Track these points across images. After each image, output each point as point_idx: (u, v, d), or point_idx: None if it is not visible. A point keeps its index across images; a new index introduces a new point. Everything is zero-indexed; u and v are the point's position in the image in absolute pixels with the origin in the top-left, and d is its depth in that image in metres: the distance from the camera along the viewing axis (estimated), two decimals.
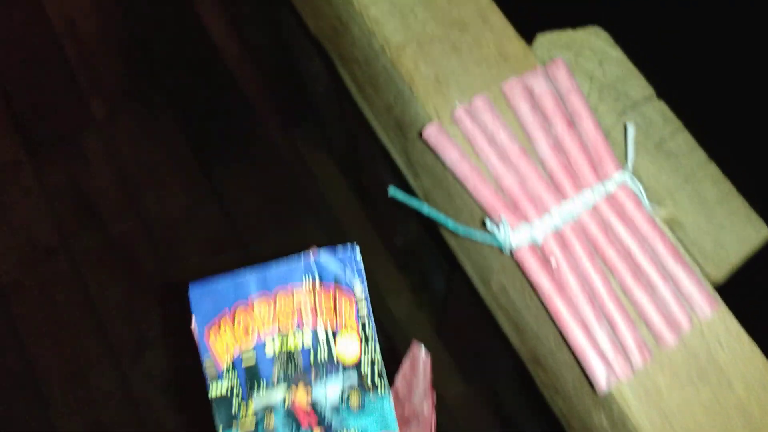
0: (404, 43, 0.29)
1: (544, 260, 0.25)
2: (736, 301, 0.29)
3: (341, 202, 1.31)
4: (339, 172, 1.24)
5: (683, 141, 0.32)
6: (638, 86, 0.33)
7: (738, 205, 0.31)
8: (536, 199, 0.26)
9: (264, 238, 1.32)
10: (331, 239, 1.28)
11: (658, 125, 0.31)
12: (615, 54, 0.33)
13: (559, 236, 0.25)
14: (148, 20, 1.49)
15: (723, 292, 0.28)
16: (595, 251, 0.25)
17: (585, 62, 0.31)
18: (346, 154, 1.12)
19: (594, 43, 0.32)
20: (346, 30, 0.33)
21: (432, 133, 0.27)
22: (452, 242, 0.38)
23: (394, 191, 0.26)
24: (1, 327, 1.24)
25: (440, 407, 1.11)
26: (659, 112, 0.32)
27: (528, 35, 0.32)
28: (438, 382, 1.10)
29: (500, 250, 0.26)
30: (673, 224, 0.28)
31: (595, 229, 0.25)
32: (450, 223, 0.26)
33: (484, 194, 0.26)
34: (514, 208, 0.26)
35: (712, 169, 0.32)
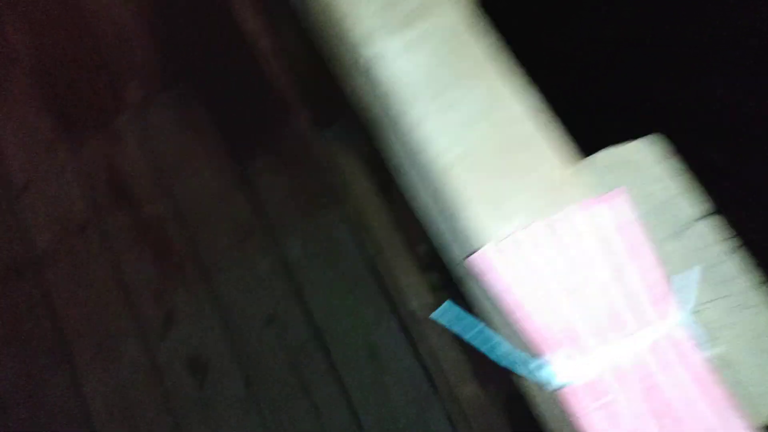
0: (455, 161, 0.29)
1: (595, 397, 0.26)
2: None
3: (367, 201, 1.32)
4: (367, 172, 1.25)
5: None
6: (689, 206, 0.32)
7: None
8: (592, 334, 0.26)
9: (290, 228, 1.34)
10: (354, 234, 1.30)
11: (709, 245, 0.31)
12: (667, 168, 0.33)
13: (617, 371, 0.26)
14: (184, 12, 1.48)
15: None
16: (650, 390, 0.26)
17: (638, 179, 0.31)
18: (374, 157, 1.13)
19: (646, 158, 0.32)
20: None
21: (481, 259, 0.27)
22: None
23: (438, 315, 0.27)
24: (35, 293, 1.29)
25: (454, 407, 1.14)
26: (710, 229, 0.32)
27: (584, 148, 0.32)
28: (454, 383, 1.13)
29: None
30: (722, 364, 0.28)
31: (654, 368, 0.26)
32: (497, 354, 0.27)
33: (533, 327, 0.26)
34: (568, 343, 0.26)
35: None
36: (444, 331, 1.22)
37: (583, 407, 0.25)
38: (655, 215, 0.31)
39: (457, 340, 1.20)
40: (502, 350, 0.26)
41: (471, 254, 0.27)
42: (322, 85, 1.14)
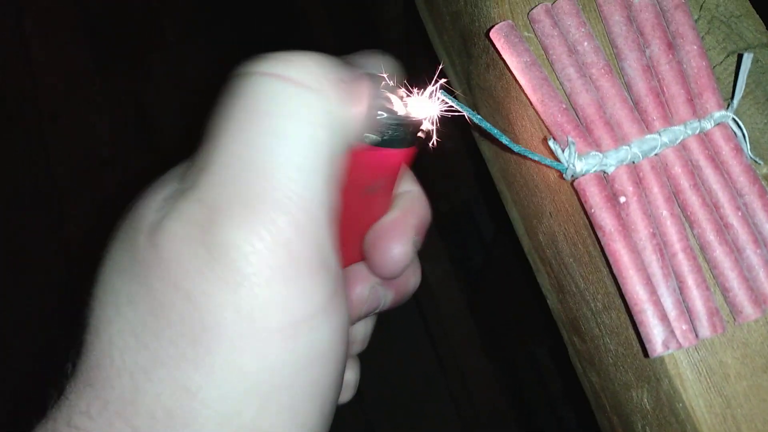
0: None
1: (612, 195, 0.21)
2: None
3: None
4: None
5: None
6: (755, 29, 0.27)
7: None
8: (614, 124, 0.22)
9: None
10: None
11: None
12: None
13: (634, 171, 0.21)
14: None
15: None
16: (674, 195, 0.21)
17: None
18: None
19: None
20: None
21: (502, 31, 0.23)
22: (502, 185, 0.34)
23: (443, 93, 0.23)
24: (50, 225, 1.28)
25: (458, 384, 1.06)
26: None
27: None
28: (461, 358, 1.05)
29: (561, 174, 0.22)
30: None
31: (679, 170, 0.21)
32: (504, 138, 0.22)
33: (553, 110, 0.22)
34: (586, 131, 0.22)
35: None
36: (456, 300, 1.17)
37: (594, 202, 0.21)
38: (714, 26, 0.26)
39: (471, 314, 1.14)
40: (506, 139, 0.22)
41: (491, 28, 0.23)
42: (359, 32, 1.10)
